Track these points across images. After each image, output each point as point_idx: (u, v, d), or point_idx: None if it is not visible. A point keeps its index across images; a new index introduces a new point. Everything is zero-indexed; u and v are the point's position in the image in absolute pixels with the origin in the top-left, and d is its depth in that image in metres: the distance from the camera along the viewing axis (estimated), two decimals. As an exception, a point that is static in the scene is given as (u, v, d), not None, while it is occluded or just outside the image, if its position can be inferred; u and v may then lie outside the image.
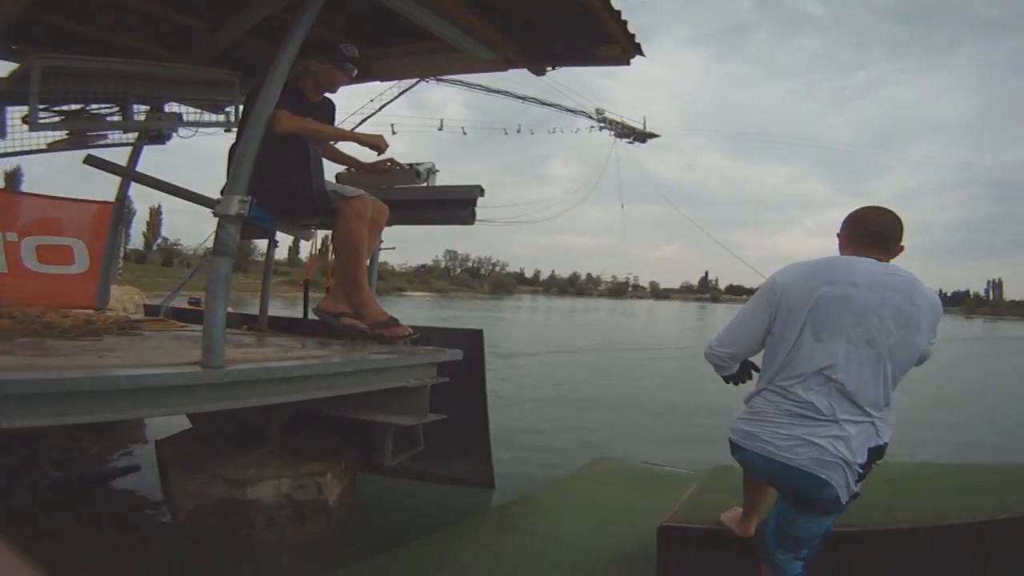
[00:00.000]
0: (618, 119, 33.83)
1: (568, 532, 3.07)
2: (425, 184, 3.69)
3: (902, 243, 1.83)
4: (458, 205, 3.72)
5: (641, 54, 3.44)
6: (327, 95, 3.41)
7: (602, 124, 33.59)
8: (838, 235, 1.92)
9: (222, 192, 2.57)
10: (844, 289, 1.68)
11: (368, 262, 3.40)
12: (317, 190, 3.04)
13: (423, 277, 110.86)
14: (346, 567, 2.74)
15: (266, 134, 2.60)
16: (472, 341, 3.44)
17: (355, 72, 3.33)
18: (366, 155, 3.54)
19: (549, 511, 3.43)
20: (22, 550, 0.32)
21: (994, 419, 7.53)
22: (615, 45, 3.36)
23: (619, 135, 33.60)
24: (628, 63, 3.54)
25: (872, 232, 1.81)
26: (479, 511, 3.53)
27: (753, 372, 1.95)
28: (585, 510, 3.39)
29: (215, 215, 2.42)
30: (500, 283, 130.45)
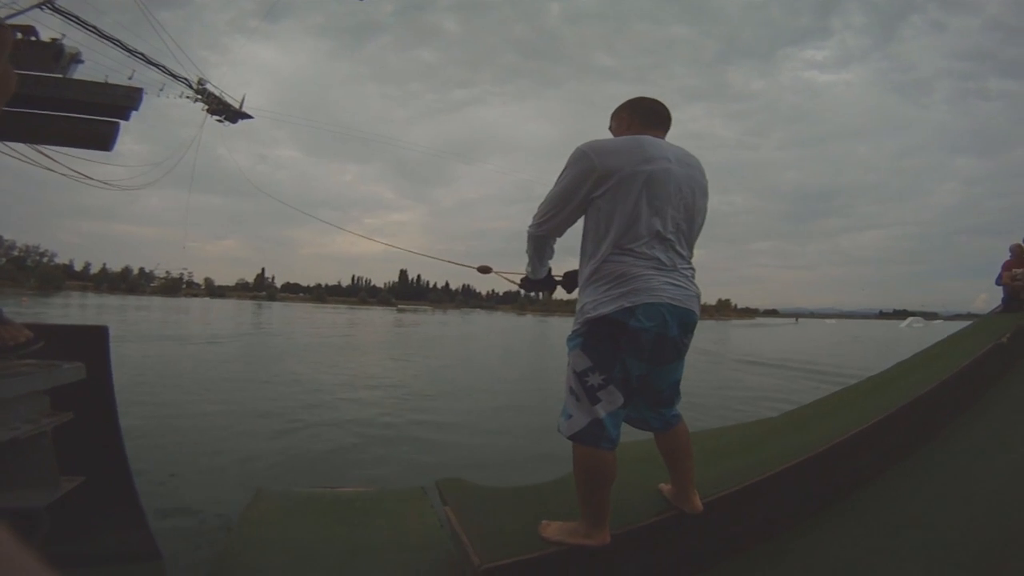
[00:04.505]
0: (218, 93, 29.89)
1: None
2: (61, 76, 2.22)
3: None
4: (101, 115, 2.30)
5: None
6: None
7: (199, 96, 29.30)
8: (620, 118, 2.13)
9: None
10: (664, 164, 1.89)
11: None
12: None
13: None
14: None
15: None
16: (93, 345, 2.28)
17: None
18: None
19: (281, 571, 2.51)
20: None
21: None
22: None
23: (212, 111, 29.74)
24: None
25: (661, 116, 2.10)
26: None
27: (554, 286, 2.32)
28: (311, 556, 2.61)
29: None
30: (48, 277, 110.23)
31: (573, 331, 1.94)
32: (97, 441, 2.29)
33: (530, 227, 2.09)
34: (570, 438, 1.90)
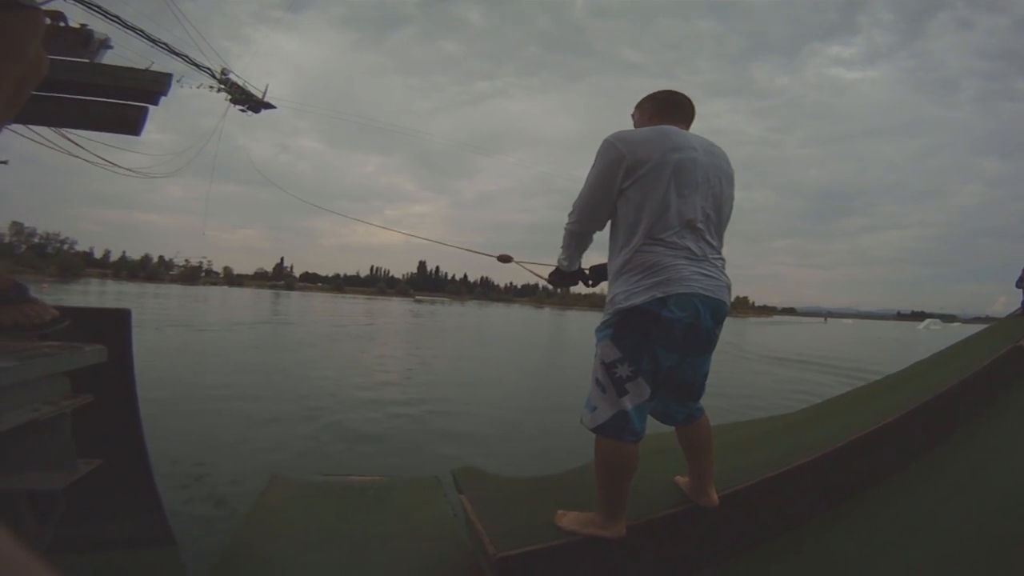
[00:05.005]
0: (241, 83, 29.91)
1: None
2: (89, 61, 2.25)
3: None
4: (130, 100, 2.33)
5: None
6: None
7: (223, 86, 29.34)
8: (644, 109, 2.13)
9: None
10: (691, 153, 1.87)
11: None
12: None
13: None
14: None
15: None
16: (115, 328, 2.25)
17: None
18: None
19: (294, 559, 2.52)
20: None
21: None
22: None
23: (235, 101, 29.75)
24: None
25: (685, 109, 2.09)
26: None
27: (586, 280, 2.27)
28: (324, 543, 2.62)
29: None
30: (68, 264, 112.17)
31: (603, 322, 1.91)
32: (116, 424, 2.30)
33: (568, 224, 2.07)
34: (593, 430, 1.89)
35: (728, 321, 1.99)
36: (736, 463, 2.58)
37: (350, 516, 2.94)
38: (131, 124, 2.36)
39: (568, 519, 2.03)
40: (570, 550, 1.93)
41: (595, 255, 2.20)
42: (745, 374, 14.38)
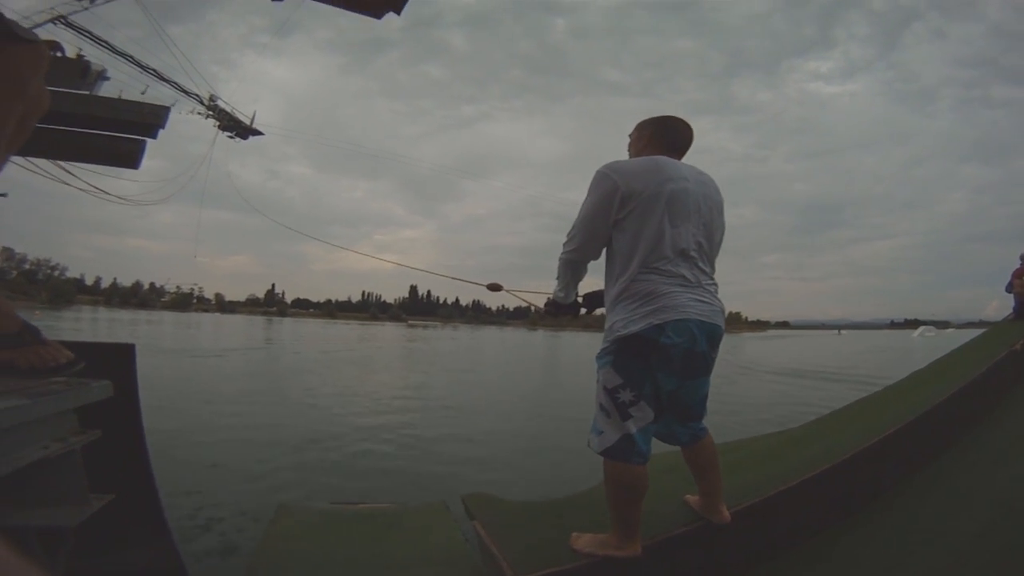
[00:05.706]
0: (229, 109, 30.02)
1: None
2: (88, 93, 2.25)
3: None
4: (128, 132, 2.32)
5: (397, 13, 3.03)
6: None
7: (210, 112, 29.45)
8: (643, 132, 2.15)
9: None
10: (683, 184, 1.93)
11: None
12: None
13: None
14: None
15: None
16: (120, 363, 2.29)
17: None
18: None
19: None
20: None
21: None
22: None
23: (223, 127, 29.83)
24: (380, 17, 3.10)
25: (681, 139, 2.13)
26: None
27: (579, 309, 2.30)
28: (338, 573, 2.59)
29: None
30: (59, 291, 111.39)
31: (603, 349, 1.94)
32: (124, 458, 2.30)
33: (563, 253, 2.09)
34: (601, 454, 1.91)
35: (727, 338, 2.01)
36: (745, 479, 2.59)
37: (360, 543, 2.92)
38: (129, 157, 2.35)
39: (583, 541, 2.04)
40: (587, 572, 1.93)
41: (591, 280, 2.21)
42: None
